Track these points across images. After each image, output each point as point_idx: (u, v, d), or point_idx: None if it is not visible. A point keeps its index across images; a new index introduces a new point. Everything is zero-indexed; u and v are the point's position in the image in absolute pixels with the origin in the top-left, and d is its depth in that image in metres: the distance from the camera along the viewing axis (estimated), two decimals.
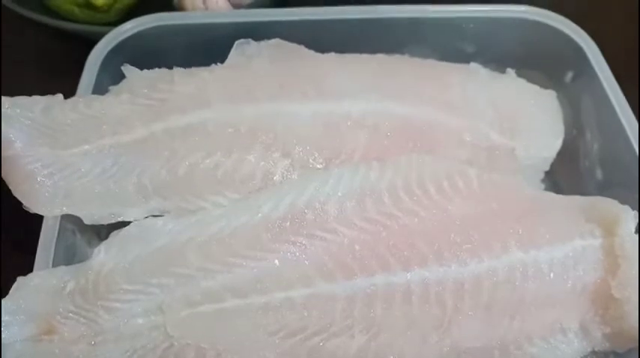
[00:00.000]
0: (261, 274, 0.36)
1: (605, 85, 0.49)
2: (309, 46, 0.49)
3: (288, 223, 0.37)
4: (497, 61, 0.54)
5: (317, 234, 0.37)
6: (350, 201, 0.39)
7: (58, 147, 0.40)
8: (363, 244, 0.37)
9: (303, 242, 0.37)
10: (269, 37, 0.49)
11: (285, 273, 0.36)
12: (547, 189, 0.50)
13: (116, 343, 0.35)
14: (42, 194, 0.39)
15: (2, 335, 0.33)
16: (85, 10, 0.58)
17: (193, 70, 0.46)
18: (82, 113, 0.42)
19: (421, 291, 0.37)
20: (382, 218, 0.38)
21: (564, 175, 0.52)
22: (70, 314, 0.35)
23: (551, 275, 0.40)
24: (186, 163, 0.41)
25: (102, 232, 0.43)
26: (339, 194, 0.39)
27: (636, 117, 0.47)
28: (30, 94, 0.42)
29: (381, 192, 0.39)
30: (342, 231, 0.38)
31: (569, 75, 0.53)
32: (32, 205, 0.39)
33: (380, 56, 0.51)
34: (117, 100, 0.43)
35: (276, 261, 0.36)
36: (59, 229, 0.39)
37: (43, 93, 0.43)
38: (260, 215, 0.38)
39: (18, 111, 0.40)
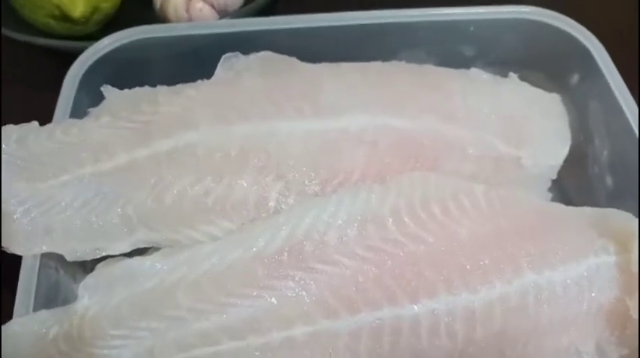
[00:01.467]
0: (258, 313, 0.34)
1: (613, 87, 0.47)
2: (300, 54, 0.47)
3: (286, 257, 0.35)
4: (499, 64, 0.52)
5: (317, 267, 0.35)
6: (351, 228, 0.36)
7: (35, 179, 0.38)
8: (366, 275, 0.35)
9: (303, 276, 0.35)
10: (257, 46, 0.46)
11: (284, 311, 0.34)
12: (555, 198, 0.48)
13: None
14: (19, 233, 0.36)
15: None
16: (62, 22, 0.55)
17: (178, 87, 0.43)
18: (60, 141, 0.39)
19: (430, 323, 0.35)
20: (386, 245, 0.36)
21: (572, 183, 0.50)
22: None
23: (566, 296, 0.37)
24: (174, 191, 0.38)
25: (87, 264, 0.40)
26: (340, 222, 0.36)
27: None
28: (8, 114, 0.39)
29: (383, 217, 0.37)
30: (344, 263, 0.35)
31: (575, 77, 0.51)
32: (10, 245, 0.36)
33: (376, 64, 0.48)
34: (97, 124, 0.41)
35: (274, 299, 0.34)
36: (40, 268, 0.37)
37: (22, 111, 0.40)
38: (255, 249, 0.35)
39: None
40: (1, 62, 0.58)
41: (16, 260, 0.37)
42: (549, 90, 0.50)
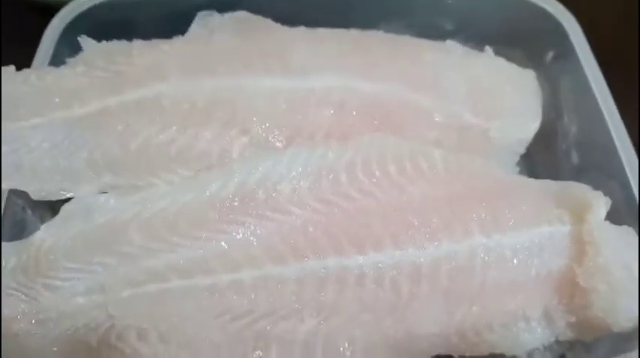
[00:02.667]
0: (208, 255, 0.35)
1: (585, 66, 0.47)
2: (280, 19, 0.48)
3: (237, 203, 0.36)
4: (477, 39, 0.52)
5: (268, 214, 0.36)
6: (305, 180, 0.37)
7: (6, 119, 0.39)
8: (316, 225, 0.36)
9: (253, 222, 0.36)
10: (238, 9, 0.47)
11: (232, 254, 0.35)
12: (522, 172, 0.48)
13: (57, 321, 0.34)
14: None
15: None
16: None
17: (153, 42, 0.45)
18: (34, 85, 0.41)
19: (375, 275, 0.36)
20: (338, 199, 0.37)
21: (541, 159, 0.50)
22: (11, 291, 0.35)
23: (515, 261, 0.38)
24: (140, 138, 0.40)
25: (56, 208, 0.42)
26: (294, 173, 0.37)
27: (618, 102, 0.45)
28: None
29: (338, 172, 0.38)
30: (295, 212, 0.36)
31: (550, 55, 0.51)
32: None
33: (352, 32, 0.49)
34: (72, 73, 0.42)
35: (223, 243, 0.35)
36: (7, 204, 0.38)
37: (3, 63, 0.42)
38: (208, 193, 0.36)
39: None
40: None
41: None
42: (525, 66, 0.51)
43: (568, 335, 0.40)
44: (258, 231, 0.36)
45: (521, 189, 0.42)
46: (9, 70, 0.41)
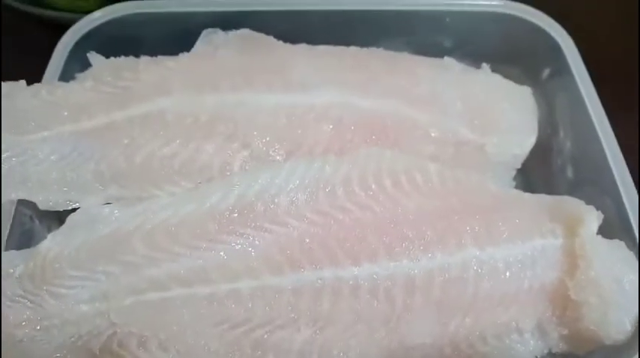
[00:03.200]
0: (207, 264, 0.36)
1: (579, 83, 0.48)
2: (284, 37, 0.49)
3: (237, 214, 0.37)
4: (474, 56, 0.53)
5: (266, 226, 0.37)
6: (302, 193, 0.38)
7: (16, 132, 0.41)
8: (312, 237, 0.37)
9: (251, 233, 0.37)
10: (244, 27, 0.49)
11: (231, 264, 0.36)
12: (518, 187, 0.49)
13: (61, 328, 0.35)
14: None
15: None
16: None
17: (159, 58, 0.46)
18: (44, 100, 0.42)
19: (370, 286, 0.37)
20: (334, 211, 0.38)
21: (537, 174, 0.51)
22: (17, 298, 0.36)
23: (508, 273, 0.39)
24: (144, 152, 0.41)
25: (64, 218, 0.43)
26: (291, 186, 0.38)
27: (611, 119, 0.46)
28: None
29: (335, 185, 0.39)
30: (292, 224, 0.37)
31: (546, 72, 0.52)
32: None
33: (352, 49, 0.50)
34: (80, 87, 0.44)
35: (222, 253, 0.36)
36: (15, 214, 0.40)
37: (14, 77, 0.43)
38: (208, 205, 0.37)
39: None
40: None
41: None
42: (522, 83, 0.52)
43: (561, 347, 0.40)
44: (257, 242, 0.37)
45: (516, 203, 0.43)
46: (20, 85, 0.43)
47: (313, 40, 0.50)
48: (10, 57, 0.60)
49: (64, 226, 0.38)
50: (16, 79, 0.44)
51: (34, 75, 0.46)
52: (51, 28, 0.60)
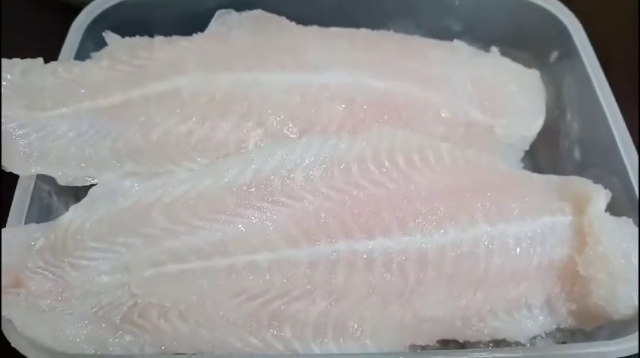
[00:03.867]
0: (226, 237, 0.37)
1: (587, 66, 0.49)
2: (294, 18, 0.50)
3: (254, 189, 0.38)
4: (484, 40, 0.54)
5: (282, 200, 0.38)
6: (317, 169, 0.39)
7: (35, 109, 0.41)
8: (327, 212, 0.38)
9: (269, 207, 0.38)
10: (255, 8, 0.49)
11: (249, 237, 0.37)
12: (526, 168, 0.50)
13: (82, 299, 0.36)
14: (17, 153, 0.40)
15: None
16: None
17: (173, 38, 0.47)
18: (61, 77, 0.43)
19: (383, 260, 0.37)
20: (348, 187, 0.39)
21: (544, 155, 0.52)
22: (39, 270, 0.36)
23: (518, 249, 0.40)
24: (161, 129, 0.42)
25: (81, 195, 0.44)
26: (307, 162, 0.39)
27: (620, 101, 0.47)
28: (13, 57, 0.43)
29: (349, 162, 0.40)
30: (308, 198, 0.38)
31: (554, 55, 0.53)
32: (7, 164, 0.40)
33: (363, 31, 0.51)
34: (97, 66, 0.44)
35: (241, 226, 0.37)
36: (34, 190, 0.40)
37: (27, 57, 0.44)
38: (226, 179, 0.38)
39: None
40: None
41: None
42: (530, 66, 0.52)
43: (569, 322, 0.41)
44: (274, 216, 0.37)
45: (525, 182, 0.44)
46: (37, 62, 0.43)
47: (324, 21, 0.51)
48: (21, 36, 0.61)
49: (85, 199, 0.38)
50: (30, 57, 0.44)
51: (44, 54, 0.47)
52: (60, 9, 0.61)
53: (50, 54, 0.46)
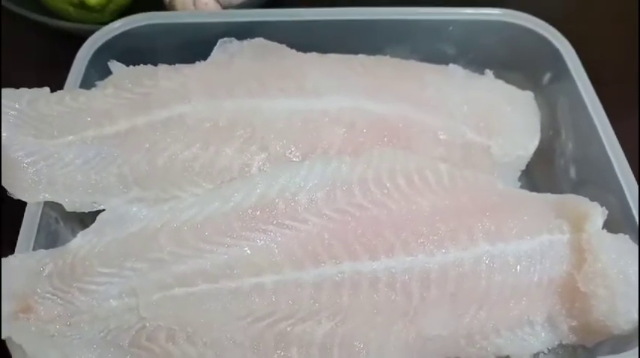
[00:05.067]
0: (232, 260, 0.37)
1: (580, 87, 0.50)
2: (294, 46, 0.51)
3: (259, 212, 0.39)
4: (478, 63, 0.56)
5: (287, 223, 0.39)
6: (320, 191, 0.40)
7: (42, 137, 0.42)
8: (331, 233, 0.39)
9: (274, 230, 0.38)
10: (254, 36, 0.50)
11: (255, 260, 0.37)
12: (523, 187, 0.51)
13: (91, 323, 0.36)
14: (25, 180, 0.41)
15: None
16: (80, 9, 0.60)
17: (177, 66, 0.48)
18: (68, 106, 0.44)
19: (387, 280, 0.38)
20: (351, 208, 0.40)
21: (540, 174, 0.53)
22: (48, 295, 0.37)
23: (518, 267, 0.41)
24: (166, 155, 0.43)
25: (86, 221, 0.44)
26: (310, 185, 0.40)
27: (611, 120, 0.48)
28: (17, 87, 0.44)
29: (351, 183, 0.41)
30: (312, 221, 0.39)
31: (547, 77, 0.54)
32: (15, 191, 0.40)
33: (361, 57, 0.52)
34: (102, 94, 0.45)
35: (247, 248, 0.38)
36: (42, 216, 0.41)
37: (30, 86, 0.45)
38: (232, 203, 0.39)
39: (5, 101, 0.42)
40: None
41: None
42: (523, 88, 0.54)
43: (571, 338, 0.42)
44: (279, 238, 0.38)
45: (523, 201, 0.45)
46: (44, 91, 0.44)
47: (322, 48, 0.52)
48: (23, 65, 0.62)
49: (93, 225, 0.39)
50: (36, 87, 0.45)
51: (48, 83, 0.47)
52: (62, 39, 0.62)
53: (53, 83, 0.47)
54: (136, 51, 0.51)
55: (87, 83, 0.49)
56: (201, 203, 0.39)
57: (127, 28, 0.52)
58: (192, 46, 0.51)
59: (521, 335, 0.41)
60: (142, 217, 0.39)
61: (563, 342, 0.42)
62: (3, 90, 0.42)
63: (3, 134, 0.40)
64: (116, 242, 0.38)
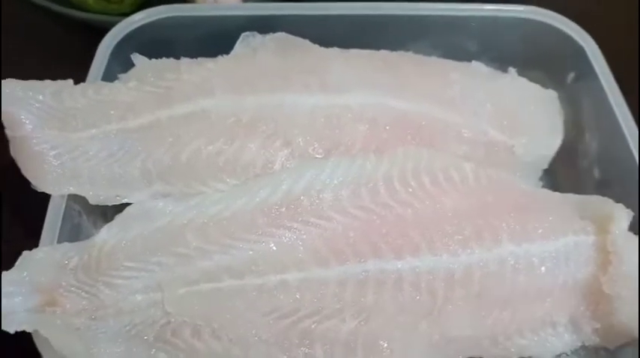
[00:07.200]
0: (257, 256, 0.37)
1: (605, 86, 0.50)
2: (314, 40, 0.51)
3: (285, 209, 0.39)
4: (500, 61, 0.55)
5: (312, 220, 0.38)
6: (346, 189, 0.40)
7: (66, 130, 0.42)
8: (356, 231, 0.38)
9: (299, 227, 0.38)
10: (276, 31, 0.50)
11: (280, 257, 0.37)
12: (545, 187, 0.51)
13: (116, 317, 0.36)
14: (50, 173, 0.40)
15: (6, 305, 0.35)
16: (99, 0, 0.60)
17: (199, 60, 0.47)
18: (91, 98, 0.44)
19: (412, 279, 0.38)
20: (376, 207, 0.39)
21: (563, 174, 0.53)
22: (73, 289, 0.37)
23: (543, 269, 0.40)
24: (189, 149, 0.42)
25: (108, 214, 0.44)
26: (335, 182, 0.40)
27: (636, 119, 0.48)
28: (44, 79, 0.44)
29: (376, 182, 0.40)
30: (337, 218, 0.39)
31: (571, 76, 0.54)
32: (40, 184, 0.40)
33: (383, 52, 0.52)
34: (125, 87, 0.45)
35: (272, 245, 0.38)
36: (65, 209, 0.41)
37: (53, 79, 0.45)
38: (257, 199, 0.39)
39: (29, 93, 0.41)
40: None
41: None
42: (546, 87, 0.53)
43: (594, 340, 0.42)
44: (304, 236, 0.38)
45: (546, 201, 0.44)
46: (68, 84, 0.44)
47: (341, 43, 0.52)
48: (43, 58, 0.62)
49: (119, 219, 0.39)
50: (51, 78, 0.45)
51: (68, 76, 0.47)
52: (80, 30, 0.62)
53: (72, 74, 0.47)
54: (157, 43, 0.51)
55: (108, 75, 0.49)
56: (227, 199, 0.39)
57: (148, 20, 0.52)
58: (212, 38, 0.51)
59: (544, 337, 0.41)
60: (169, 212, 0.39)
61: (586, 344, 0.42)
62: (27, 82, 0.42)
63: (28, 126, 0.40)
64: (142, 236, 0.38)
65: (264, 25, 0.51)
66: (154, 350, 0.36)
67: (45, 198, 0.41)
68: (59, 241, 0.40)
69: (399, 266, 0.38)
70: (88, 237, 0.42)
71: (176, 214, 0.39)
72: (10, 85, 0.41)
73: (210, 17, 0.53)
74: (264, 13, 0.53)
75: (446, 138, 0.47)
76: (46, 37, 0.64)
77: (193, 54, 0.49)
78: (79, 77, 0.47)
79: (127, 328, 0.36)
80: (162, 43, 0.51)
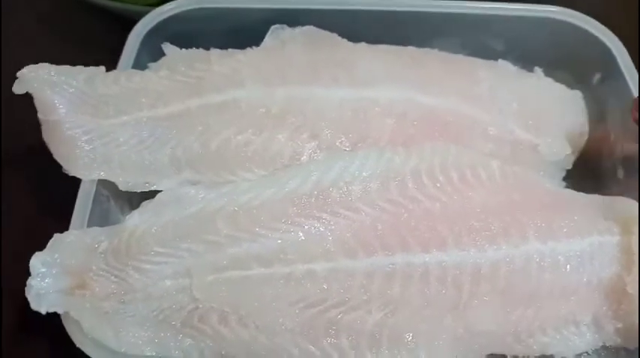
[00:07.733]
0: (286, 245, 0.38)
1: (631, 87, 0.50)
2: (341, 35, 0.51)
3: (314, 199, 0.39)
4: (526, 60, 0.55)
5: (341, 211, 0.39)
6: (374, 182, 0.40)
7: (98, 116, 0.42)
8: (384, 224, 0.39)
9: (327, 218, 0.38)
10: (304, 24, 0.50)
11: (308, 246, 0.38)
12: (569, 186, 0.50)
13: (144, 302, 0.37)
14: (81, 158, 0.41)
15: (37, 286, 0.35)
16: None
17: (229, 51, 0.48)
18: (123, 85, 0.44)
19: (439, 273, 0.38)
20: (405, 200, 0.40)
21: (586, 174, 0.52)
22: (102, 272, 0.37)
23: (568, 267, 0.40)
24: (219, 139, 0.43)
25: (134, 201, 0.45)
26: (364, 175, 0.40)
27: None
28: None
29: (405, 175, 0.41)
30: (365, 211, 0.39)
31: (597, 76, 0.54)
32: (71, 168, 0.41)
33: (410, 48, 0.52)
34: (156, 76, 0.45)
35: (301, 234, 0.38)
36: (95, 193, 0.41)
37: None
38: (287, 189, 0.39)
39: (63, 78, 0.42)
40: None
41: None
42: (572, 87, 0.53)
43: (615, 340, 0.42)
44: (332, 226, 0.38)
45: (571, 201, 0.44)
46: (100, 70, 0.44)
47: (367, 38, 0.52)
48: (73, 46, 0.62)
49: (151, 204, 0.39)
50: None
51: (96, 63, 0.48)
52: (110, 20, 0.62)
53: (100, 62, 0.48)
54: (185, 33, 0.51)
55: (137, 64, 0.49)
56: (257, 188, 0.40)
57: (178, 11, 0.52)
58: (239, 30, 0.52)
59: (566, 335, 0.41)
60: (200, 199, 0.39)
61: (607, 344, 0.42)
62: (61, 67, 0.43)
63: (61, 110, 0.41)
64: (173, 222, 0.38)
65: (292, 19, 0.51)
66: (180, 336, 0.36)
67: (74, 182, 0.42)
68: (88, 225, 0.40)
69: (426, 259, 0.38)
70: (115, 222, 0.43)
71: (208, 201, 0.39)
72: (44, 69, 0.42)
73: (238, 9, 0.54)
74: (292, 6, 0.54)
75: (472, 136, 0.47)
76: (78, 26, 0.65)
77: (221, 45, 0.50)
78: (110, 66, 0.48)
79: (155, 313, 0.37)
80: (191, 34, 0.51)
